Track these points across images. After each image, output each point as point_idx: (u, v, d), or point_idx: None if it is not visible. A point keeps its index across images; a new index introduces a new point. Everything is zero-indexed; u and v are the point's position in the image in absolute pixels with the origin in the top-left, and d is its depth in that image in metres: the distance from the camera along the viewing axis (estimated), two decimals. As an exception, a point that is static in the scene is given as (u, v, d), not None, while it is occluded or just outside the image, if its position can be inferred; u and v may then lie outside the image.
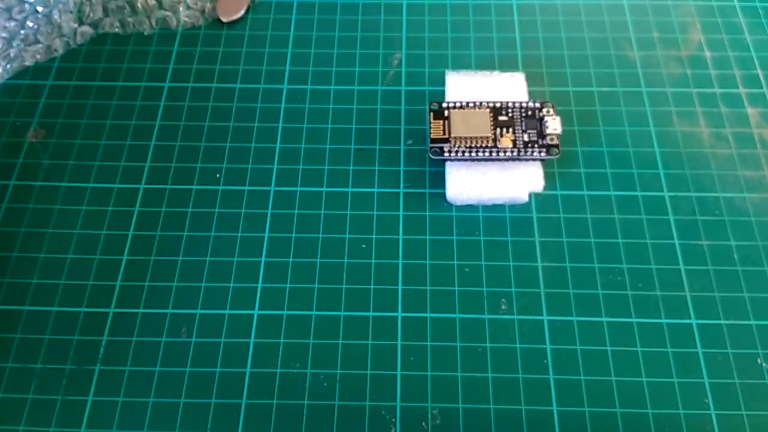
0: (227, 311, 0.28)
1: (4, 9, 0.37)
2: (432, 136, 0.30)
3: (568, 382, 0.27)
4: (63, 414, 0.26)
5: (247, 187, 0.31)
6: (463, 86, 0.32)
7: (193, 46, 0.36)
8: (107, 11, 0.37)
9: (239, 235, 0.30)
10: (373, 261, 0.29)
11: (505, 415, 0.26)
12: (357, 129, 0.33)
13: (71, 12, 0.37)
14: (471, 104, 0.31)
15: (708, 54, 0.35)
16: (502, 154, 0.30)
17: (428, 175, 0.32)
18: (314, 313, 0.28)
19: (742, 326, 0.28)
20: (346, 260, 0.29)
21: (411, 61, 0.35)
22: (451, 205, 0.31)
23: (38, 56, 0.36)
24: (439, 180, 0.31)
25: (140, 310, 0.28)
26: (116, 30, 0.37)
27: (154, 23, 0.37)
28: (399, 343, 0.28)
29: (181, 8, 0.37)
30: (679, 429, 0.26)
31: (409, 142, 0.33)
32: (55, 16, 0.37)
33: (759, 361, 0.27)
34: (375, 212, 0.31)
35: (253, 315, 0.28)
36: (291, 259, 0.29)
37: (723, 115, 0.33)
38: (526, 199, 0.30)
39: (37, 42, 0.36)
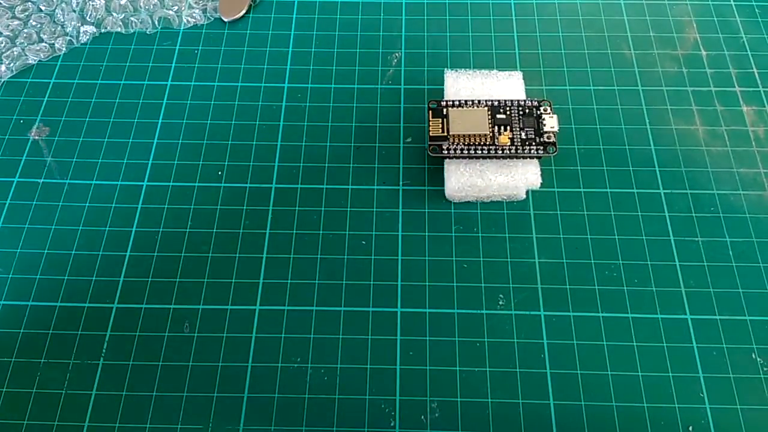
0: (229, 306, 0.29)
1: (7, 8, 0.37)
2: (431, 134, 0.31)
3: (564, 376, 0.27)
4: (67, 408, 0.27)
5: (248, 184, 0.32)
6: (461, 85, 0.32)
7: (195, 45, 0.36)
8: (110, 10, 0.37)
9: (241, 231, 0.30)
10: (372, 257, 0.30)
11: (503, 408, 0.26)
12: (357, 127, 0.33)
13: (74, 11, 0.37)
14: (469, 103, 0.31)
15: (704, 53, 0.36)
16: (500, 151, 0.30)
17: (427, 172, 0.32)
18: (315, 308, 0.29)
19: (737, 321, 0.28)
20: (346, 256, 0.30)
21: (410, 60, 0.36)
22: (450, 201, 0.31)
23: (42, 55, 0.36)
24: (438, 177, 0.32)
25: (143, 306, 0.29)
26: (119, 29, 0.37)
27: (156, 22, 0.37)
28: (398, 337, 0.28)
29: (183, 7, 0.38)
30: (674, 423, 0.26)
31: (409, 139, 0.33)
32: (59, 15, 0.37)
33: (753, 355, 0.27)
34: (375, 209, 0.31)
35: (254, 310, 0.29)
36: (292, 255, 0.30)
37: (718, 113, 0.33)
38: (523, 196, 0.31)
39: (41, 41, 0.36)
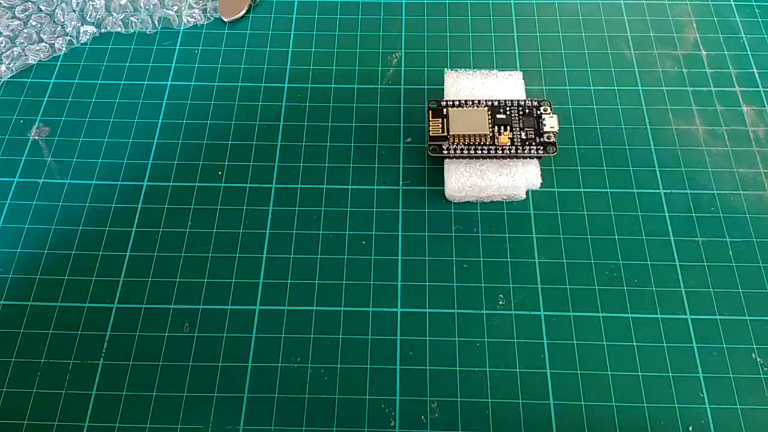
0: (229, 306, 0.29)
1: (7, 8, 0.37)
2: (431, 134, 0.31)
3: (564, 376, 0.27)
4: (67, 408, 0.27)
5: (248, 184, 0.32)
6: (461, 85, 0.32)
7: (195, 45, 0.36)
8: (110, 10, 0.37)
9: (241, 231, 0.30)
10: (372, 257, 0.30)
11: (503, 408, 0.26)
12: (357, 127, 0.33)
13: (74, 11, 0.37)
14: (469, 103, 0.31)
15: (704, 53, 0.36)
16: (500, 151, 0.30)
17: (427, 172, 0.32)
18: (315, 308, 0.29)
19: (737, 321, 0.28)
20: (346, 256, 0.30)
21: (410, 60, 0.36)
22: (450, 201, 0.31)
23: (42, 55, 0.36)
24: (438, 177, 0.32)
25: (143, 306, 0.29)
26: (119, 29, 0.37)
27: (156, 22, 0.37)
28: (398, 337, 0.28)
29: (183, 7, 0.38)
30: (675, 423, 0.26)
31: (409, 139, 0.33)
32: (59, 15, 0.37)
33: (753, 355, 0.27)
34: (375, 209, 0.31)
35: (254, 310, 0.29)
36: (292, 256, 0.30)
37: (718, 113, 0.34)
38: (523, 196, 0.31)
39: (41, 41, 0.36)
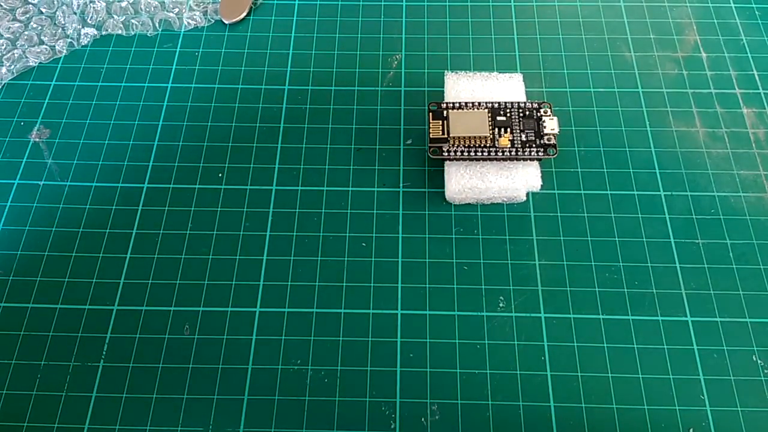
0: (229, 308, 0.29)
1: (8, 10, 0.37)
2: (431, 136, 0.31)
3: (565, 378, 0.27)
4: (67, 410, 0.27)
5: (249, 186, 0.32)
6: (461, 87, 0.32)
7: (196, 47, 0.36)
8: (111, 12, 0.38)
9: (241, 233, 0.30)
10: (373, 259, 0.30)
11: (503, 410, 0.26)
12: (357, 129, 0.33)
13: (75, 13, 0.37)
14: (469, 105, 0.31)
15: (704, 55, 0.36)
16: (500, 153, 0.30)
17: (427, 174, 0.32)
18: (315, 310, 0.29)
19: (738, 323, 0.28)
20: (346, 258, 0.30)
21: (410, 62, 0.36)
22: (450, 204, 0.31)
23: (42, 57, 0.36)
24: (438, 179, 0.32)
25: (143, 308, 0.29)
26: (120, 31, 0.37)
27: (157, 24, 0.37)
28: (399, 339, 0.28)
29: (184, 9, 0.38)
30: (675, 425, 0.26)
31: (409, 141, 0.33)
32: (59, 18, 0.37)
33: (754, 357, 0.27)
34: (375, 211, 0.31)
35: (254, 312, 0.29)
36: (292, 257, 0.30)
37: (719, 115, 0.34)
38: (524, 198, 0.31)
39: (42, 43, 0.36)
